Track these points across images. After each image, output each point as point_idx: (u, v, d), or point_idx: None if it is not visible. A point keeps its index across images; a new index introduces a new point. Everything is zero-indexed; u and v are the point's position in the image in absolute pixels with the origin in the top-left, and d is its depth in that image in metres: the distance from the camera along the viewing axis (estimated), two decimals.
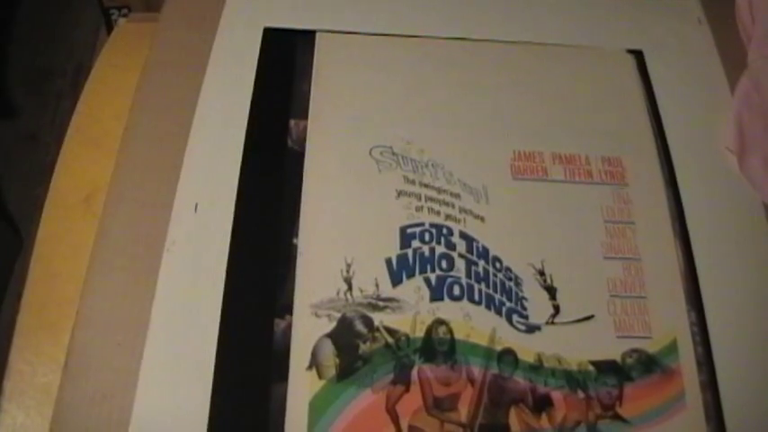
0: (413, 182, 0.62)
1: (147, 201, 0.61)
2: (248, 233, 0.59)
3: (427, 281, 0.58)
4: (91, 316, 0.57)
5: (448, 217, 0.61)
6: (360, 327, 0.56)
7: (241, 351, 0.55)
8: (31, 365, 0.56)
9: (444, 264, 0.59)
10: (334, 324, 0.56)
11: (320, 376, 0.54)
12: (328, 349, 0.55)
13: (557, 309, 0.59)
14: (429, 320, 0.57)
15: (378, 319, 0.57)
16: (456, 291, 0.58)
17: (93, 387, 0.54)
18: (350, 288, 0.57)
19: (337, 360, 0.55)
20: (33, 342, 0.58)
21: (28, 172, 1.27)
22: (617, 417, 0.56)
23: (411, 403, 0.54)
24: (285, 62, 0.69)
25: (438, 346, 0.56)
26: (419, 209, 0.61)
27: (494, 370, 0.56)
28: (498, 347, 0.57)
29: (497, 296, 0.58)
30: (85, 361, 0.55)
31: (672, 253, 0.62)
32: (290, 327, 0.56)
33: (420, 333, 0.56)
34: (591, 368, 0.57)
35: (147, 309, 0.56)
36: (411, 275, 0.58)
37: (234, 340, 0.55)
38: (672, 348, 0.58)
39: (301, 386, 0.54)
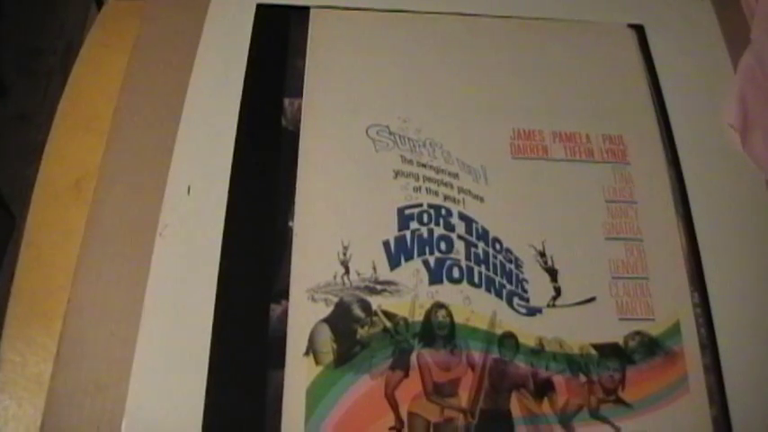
0: (410, 162, 0.61)
1: (139, 184, 0.60)
2: (242, 216, 0.58)
3: (426, 263, 0.57)
4: (83, 304, 0.56)
5: (446, 197, 0.60)
6: (357, 311, 0.55)
7: (236, 338, 0.54)
8: (23, 355, 0.55)
9: (443, 246, 0.58)
10: (331, 309, 0.55)
11: (317, 362, 0.53)
12: (325, 334, 0.54)
13: (558, 291, 0.58)
14: (428, 304, 0.56)
15: (376, 302, 0.56)
16: (455, 273, 0.57)
17: (87, 377, 0.53)
18: (347, 271, 0.56)
19: (335, 345, 0.54)
20: (24, 331, 0.56)
21: (18, 151, 1.26)
22: (619, 401, 0.55)
23: (410, 389, 0.53)
24: (278, 39, 0.67)
25: (437, 331, 0.55)
26: (417, 189, 0.60)
27: (494, 354, 0.55)
28: (499, 331, 0.56)
29: (497, 278, 0.57)
30: (78, 350, 0.54)
31: (674, 233, 0.61)
32: (286, 312, 0.55)
33: (419, 317, 0.56)
34: (593, 351, 0.56)
35: (140, 296, 0.55)
36: (409, 258, 0.57)
37: (229, 327, 0.54)
38: (675, 331, 0.58)
39: (298, 373, 0.53)
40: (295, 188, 0.59)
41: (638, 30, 0.72)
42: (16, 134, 1.32)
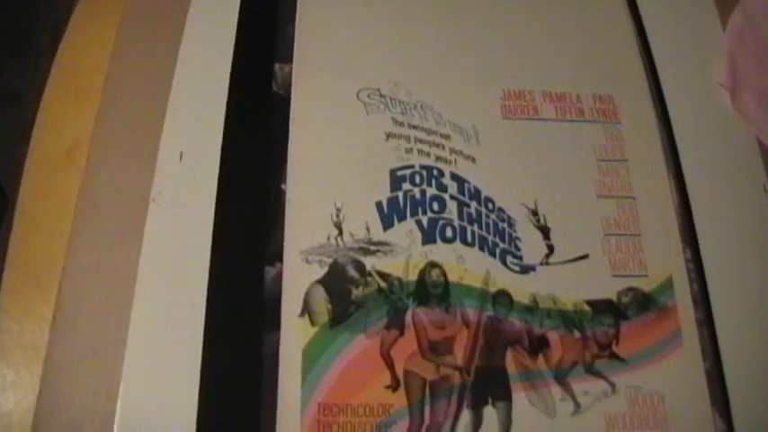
0: (401, 124, 0.61)
1: (131, 151, 0.60)
2: (235, 180, 0.58)
3: (419, 223, 0.58)
4: (77, 271, 0.56)
5: (438, 158, 0.60)
6: (352, 272, 0.55)
7: (231, 300, 0.55)
8: (19, 323, 0.56)
9: (436, 206, 0.58)
10: (325, 270, 0.55)
11: (313, 323, 0.54)
12: (320, 295, 0.54)
13: (551, 249, 0.58)
14: (422, 264, 0.56)
15: (370, 263, 0.56)
16: (448, 233, 0.57)
17: (83, 343, 0.54)
18: (340, 233, 0.56)
19: (330, 306, 0.54)
20: (20, 299, 0.57)
21: (9, 130, 1.25)
22: (614, 356, 0.55)
23: (406, 348, 0.54)
24: (268, 4, 0.67)
25: (432, 290, 0.55)
26: (409, 151, 0.60)
27: (489, 312, 0.55)
28: (493, 289, 0.56)
29: (490, 237, 0.58)
30: (74, 317, 0.54)
31: (666, 190, 0.62)
32: (280, 274, 0.55)
33: (413, 277, 0.56)
34: (586, 308, 0.56)
35: (134, 262, 0.55)
36: (402, 218, 0.58)
37: (224, 289, 0.54)
38: (667, 286, 0.58)
39: (294, 334, 0.53)
40: (287, 152, 0.59)
41: None
42: (7, 113, 1.32)
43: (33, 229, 0.59)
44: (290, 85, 0.62)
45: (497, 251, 0.57)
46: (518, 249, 0.58)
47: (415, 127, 0.61)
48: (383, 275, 0.55)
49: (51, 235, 0.58)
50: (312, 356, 0.53)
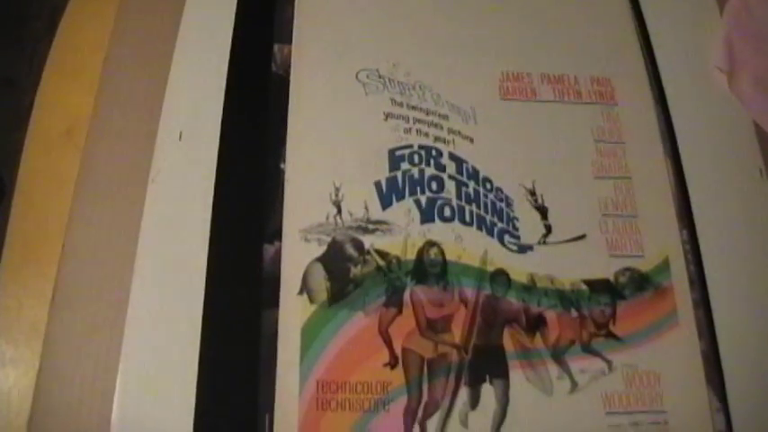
0: (400, 104, 0.61)
1: (131, 131, 0.60)
2: (234, 160, 0.58)
3: (417, 203, 0.58)
4: (77, 249, 0.56)
5: (437, 138, 0.60)
6: (350, 250, 0.56)
7: (231, 278, 0.55)
8: (18, 300, 0.56)
9: (434, 185, 0.59)
10: (324, 248, 0.55)
11: (311, 301, 0.54)
12: (319, 274, 0.55)
13: (548, 229, 0.58)
14: (420, 242, 0.57)
15: (368, 242, 0.56)
16: (447, 212, 0.58)
17: (82, 320, 0.54)
18: (339, 212, 0.57)
19: (328, 284, 0.54)
20: (19, 277, 0.57)
21: (6, 117, 1.25)
22: (610, 335, 0.56)
23: (404, 326, 0.54)
24: None
25: (430, 268, 0.56)
26: (407, 131, 0.60)
27: (486, 291, 0.56)
28: (490, 268, 0.57)
29: (488, 217, 0.58)
30: (73, 294, 0.55)
31: (663, 172, 0.62)
32: (279, 252, 0.55)
33: (411, 255, 0.56)
34: (584, 287, 0.57)
35: (133, 240, 0.55)
36: (401, 198, 0.58)
37: (223, 268, 0.55)
38: (664, 267, 0.58)
39: (293, 312, 0.54)
40: (286, 132, 0.59)
41: None
42: (3, 100, 1.31)
43: (33, 208, 0.59)
44: (289, 66, 0.62)
45: (495, 230, 0.58)
46: (516, 229, 0.58)
47: (413, 107, 0.61)
48: (382, 254, 0.56)
49: (51, 213, 0.58)
50: (311, 334, 0.53)
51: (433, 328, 0.54)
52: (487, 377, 0.54)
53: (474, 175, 0.59)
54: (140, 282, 0.54)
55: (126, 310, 0.53)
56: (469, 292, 0.55)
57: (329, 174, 0.58)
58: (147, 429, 0.51)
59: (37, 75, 0.66)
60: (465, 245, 0.57)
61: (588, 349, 0.55)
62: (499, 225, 0.58)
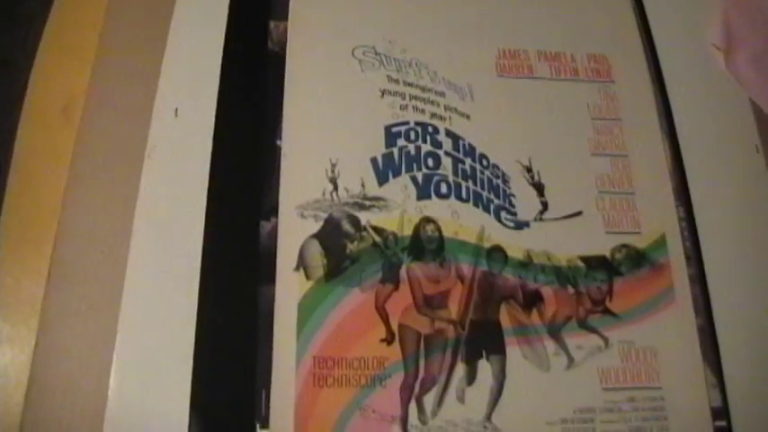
0: (396, 81, 0.61)
1: (126, 107, 0.60)
2: (230, 136, 0.58)
3: (414, 179, 0.58)
4: (73, 226, 0.56)
5: (433, 115, 0.60)
6: (347, 226, 0.55)
7: (227, 254, 0.55)
8: (15, 278, 0.56)
9: (430, 162, 0.58)
10: (320, 224, 0.56)
11: (308, 277, 0.54)
12: (315, 250, 0.55)
13: (545, 205, 0.58)
14: (416, 219, 0.57)
15: (365, 218, 0.56)
16: (443, 189, 0.58)
17: (79, 298, 0.54)
18: (335, 188, 0.57)
19: (325, 260, 0.54)
20: (16, 255, 0.57)
21: (1, 97, 1.25)
22: (607, 311, 0.56)
23: (400, 302, 0.54)
24: None
25: (426, 245, 0.56)
26: (404, 108, 0.60)
27: (483, 267, 0.56)
28: (487, 245, 0.57)
29: (485, 193, 0.58)
30: (70, 272, 0.55)
31: (659, 149, 0.62)
32: (275, 228, 0.55)
33: (408, 232, 0.56)
34: (580, 264, 0.57)
35: (129, 217, 0.55)
36: (397, 174, 0.58)
37: (219, 244, 0.55)
38: (661, 243, 0.58)
39: (289, 288, 0.54)
40: (282, 108, 0.59)
41: None
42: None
43: (29, 186, 0.59)
44: (285, 43, 0.62)
45: (492, 207, 0.58)
46: (512, 206, 0.58)
47: (410, 84, 0.61)
48: (378, 230, 0.56)
49: (47, 191, 0.58)
50: (307, 310, 0.53)
51: (429, 304, 0.54)
52: (484, 353, 0.54)
53: (470, 151, 0.59)
54: (137, 259, 0.54)
55: (122, 286, 0.53)
56: (466, 269, 0.55)
57: (325, 150, 0.58)
58: (144, 405, 0.51)
59: (32, 55, 0.66)
60: (462, 221, 0.57)
61: (585, 325, 0.55)
62: (496, 202, 0.58)
